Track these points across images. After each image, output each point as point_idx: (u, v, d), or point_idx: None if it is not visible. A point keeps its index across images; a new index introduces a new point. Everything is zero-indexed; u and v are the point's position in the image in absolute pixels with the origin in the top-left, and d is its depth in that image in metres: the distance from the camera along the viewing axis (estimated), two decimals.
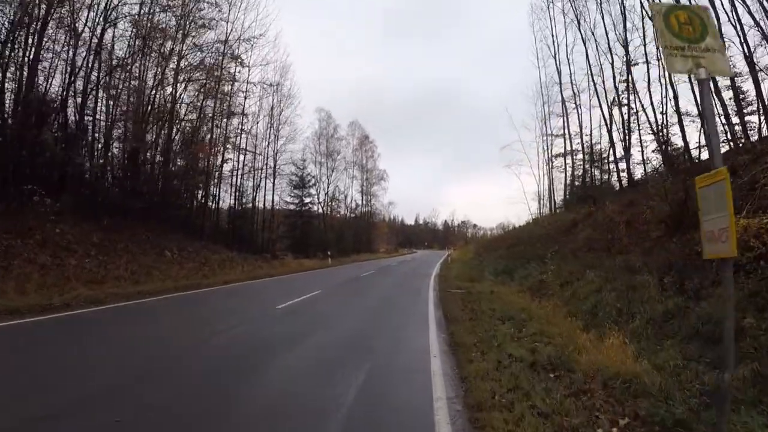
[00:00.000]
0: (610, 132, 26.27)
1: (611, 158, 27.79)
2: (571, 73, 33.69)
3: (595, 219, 19.77)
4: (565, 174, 35.60)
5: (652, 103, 22.89)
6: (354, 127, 61.28)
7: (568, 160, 35.17)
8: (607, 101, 26.61)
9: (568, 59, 33.46)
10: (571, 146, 34.67)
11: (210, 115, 30.34)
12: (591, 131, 32.56)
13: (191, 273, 20.64)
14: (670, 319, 8.19)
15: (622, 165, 25.85)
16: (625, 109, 25.47)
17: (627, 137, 24.89)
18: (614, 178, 28.49)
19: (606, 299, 10.02)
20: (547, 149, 39.17)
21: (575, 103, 33.24)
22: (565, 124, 34.79)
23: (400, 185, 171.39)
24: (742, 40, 16.33)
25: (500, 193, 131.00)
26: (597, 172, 31.93)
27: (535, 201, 41.04)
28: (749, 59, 16.05)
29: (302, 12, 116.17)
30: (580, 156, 33.70)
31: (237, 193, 36.69)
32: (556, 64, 34.90)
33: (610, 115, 26.66)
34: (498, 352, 6.50)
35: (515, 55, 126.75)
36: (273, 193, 41.59)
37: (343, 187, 58.96)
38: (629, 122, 25.05)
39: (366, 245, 62.24)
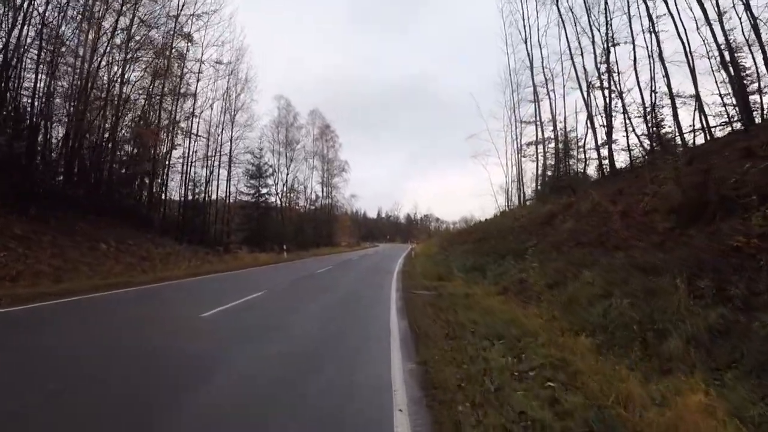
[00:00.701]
0: (590, 117, 24.33)
1: (591, 145, 25.98)
2: (542, 58, 32.06)
3: (577, 210, 17.80)
4: (537, 163, 33.82)
5: (639, 84, 21.08)
6: (314, 115, 58.35)
7: (540, 149, 33.36)
8: (588, 83, 24.69)
9: (540, 43, 31.71)
10: (543, 134, 32.90)
11: (158, 95, 27.21)
12: (565, 118, 30.83)
13: (127, 269, 18.34)
14: (720, 339, 6.04)
15: (603, 152, 23.96)
16: (606, 93, 23.60)
17: (609, 122, 23.00)
18: (592, 166, 26.83)
19: (618, 308, 7.84)
20: (517, 138, 37.44)
21: (547, 88, 31.44)
22: (537, 112, 32.95)
23: (362, 178, 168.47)
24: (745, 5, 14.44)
25: (464, 187, 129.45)
26: (572, 161, 30.27)
27: (502, 193, 39.36)
28: (755, 27, 14.17)
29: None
30: (552, 145, 31.89)
31: (191, 183, 34.04)
32: (527, 48, 32.97)
33: (589, 98, 24.81)
34: (499, 405, 4.14)
35: (482, 47, 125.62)
36: (228, 183, 38.74)
37: (303, 178, 56.15)
38: (611, 106, 23.19)
39: (327, 239, 59.32)
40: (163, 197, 31.23)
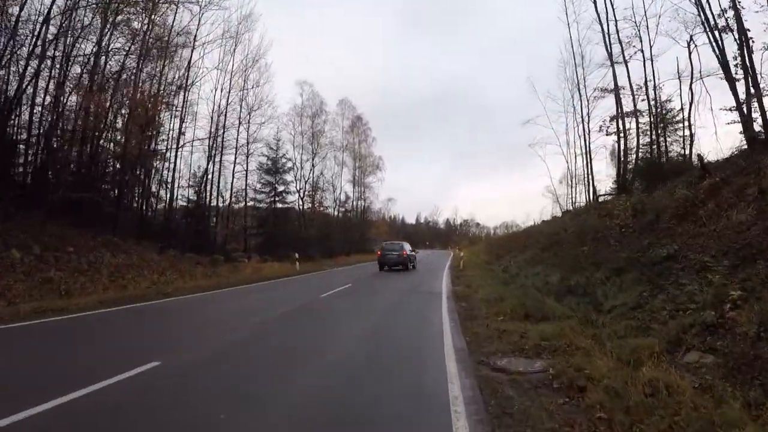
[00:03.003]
0: (725, 65, 16.49)
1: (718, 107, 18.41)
2: (615, 16, 24.15)
3: (740, 192, 10.76)
4: (618, 145, 26.29)
5: None
6: (344, 105, 51.72)
7: (620, 126, 25.81)
8: (714, 23, 17.14)
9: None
10: (622, 108, 25.38)
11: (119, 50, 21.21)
12: (656, 85, 23.31)
13: (35, 287, 12.91)
14: None
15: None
16: (735, 35, 16.21)
17: (747, 71, 15.51)
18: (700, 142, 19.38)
19: None
20: (584, 120, 30.19)
21: (624, 53, 23.94)
22: (615, 80, 25.25)
23: (400, 183, 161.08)
24: None
25: (505, 190, 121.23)
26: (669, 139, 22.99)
27: (564, 186, 32.43)
28: None
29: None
30: (642, 119, 24.48)
31: (191, 178, 28.86)
32: (596, 5, 25.25)
33: (721, 44, 17.27)
34: None
35: (521, 50, 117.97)
36: (244, 179, 32.96)
37: (330, 176, 49.49)
38: (744, 50, 15.74)
39: (359, 245, 51.88)
40: (145, 191, 25.57)
